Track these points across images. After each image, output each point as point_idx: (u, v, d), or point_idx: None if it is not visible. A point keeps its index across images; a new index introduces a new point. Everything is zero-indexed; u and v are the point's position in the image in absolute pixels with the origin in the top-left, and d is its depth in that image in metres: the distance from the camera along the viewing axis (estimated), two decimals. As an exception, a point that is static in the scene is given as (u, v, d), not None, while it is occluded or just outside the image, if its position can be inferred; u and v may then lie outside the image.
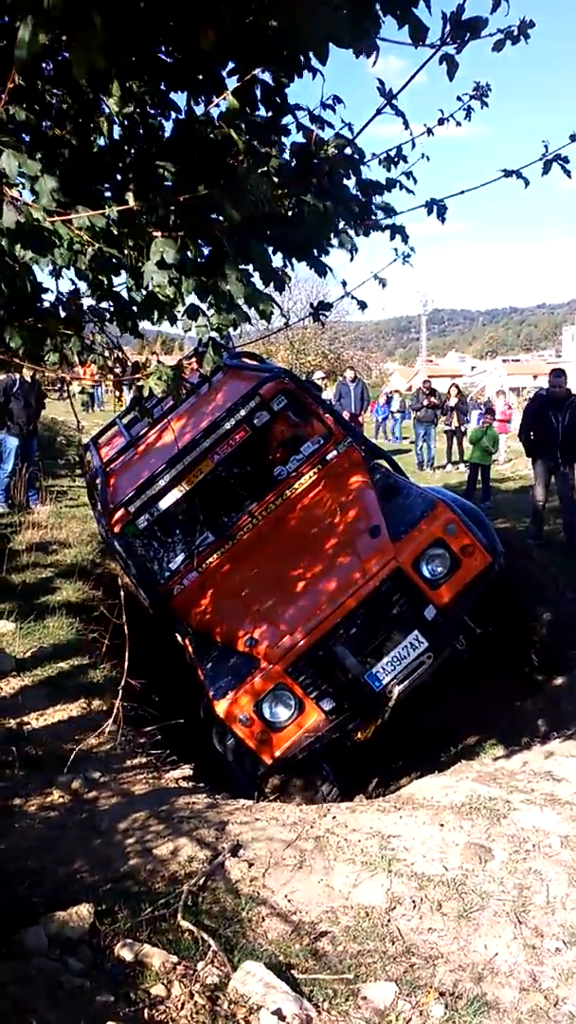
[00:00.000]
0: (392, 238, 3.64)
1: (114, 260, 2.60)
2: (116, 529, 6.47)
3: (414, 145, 3.46)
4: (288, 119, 3.33)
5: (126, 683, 6.30)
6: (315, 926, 3.64)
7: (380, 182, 3.53)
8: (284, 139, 3.40)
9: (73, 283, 3.43)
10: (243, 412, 6.57)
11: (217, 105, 3.30)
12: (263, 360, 8.22)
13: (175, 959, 3.20)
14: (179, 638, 6.47)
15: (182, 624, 6.33)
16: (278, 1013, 2.95)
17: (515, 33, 2.86)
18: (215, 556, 6.51)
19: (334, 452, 6.72)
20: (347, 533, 6.07)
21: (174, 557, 6.61)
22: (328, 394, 19.58)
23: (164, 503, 6.48)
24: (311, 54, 2.91)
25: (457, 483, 14.85)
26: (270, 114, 3.25)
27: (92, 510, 8.02)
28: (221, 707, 5.56)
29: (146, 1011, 2.90)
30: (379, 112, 3.31)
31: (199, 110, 3.39)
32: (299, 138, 3.52)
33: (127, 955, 3.20)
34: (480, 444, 13.96)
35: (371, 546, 5.81)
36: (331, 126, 3.44)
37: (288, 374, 7.00)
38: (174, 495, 6.47)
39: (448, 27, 2.74)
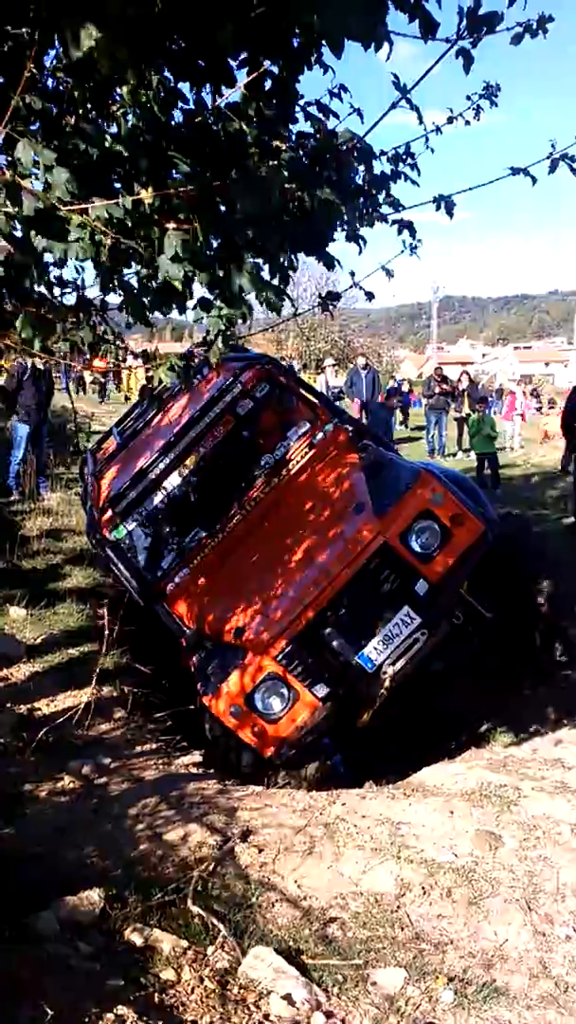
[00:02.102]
0: (400, 233, 3.62)
1: (130, 251, 2.59)
2: (104, 532, 6.41)
3: (427, 141, 3.44)
4: (296, 108, 3.33)
5: (135, 669, 6.36)
6: (325, 912, 3.65)
7: (387, 173, 3.51)
8: (291, 127, 3.39)
9: (78, 272, 3.42)
10: (226, 402, 6.48)
11: (225, 96, 3.29)
12: (245, 350, 8.12)
13: (185, 944, 3.21)
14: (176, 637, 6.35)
15: (176, 622, 6.19)
16: (288, 998, 2.96)
17: (534, 27, 2.83)
18: (206, 550, 6.36)
19: (320, 435, 6.57)
20: (333, 515, 5.91)
21: (165, 555, 6.47)
22: (339, 381, 19.57)
23: (150, 502, 6.40)
24: (322, 47, 2.92)
25: (464, 469, 14.81)
26: (278, 104, 3.24)
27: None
28: (211, 701, 5.44)
29: (156, 995, 2.91)
30: (394, 106, 3.29)
31: (204, 104, 3.40)
32: (307, 127, 3.51)
33: (137, 939, 3.21)
34: (481, 433, 13.93)
35: (356, 524, 5.65)
36: (337, 116, 3.43)
37: (269, 360, 6.91)
38: (160, 493, 6.39)
39: (464, 22, 2.73)
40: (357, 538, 5.53)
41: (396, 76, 3.22)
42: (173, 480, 6.41)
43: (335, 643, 5.40)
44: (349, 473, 6.16)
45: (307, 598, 5.42)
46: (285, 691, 5.40)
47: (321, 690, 5.42)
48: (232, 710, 5.35)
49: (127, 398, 26.76)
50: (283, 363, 8.43)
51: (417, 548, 5.64)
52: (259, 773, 5.47)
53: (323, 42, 2.76)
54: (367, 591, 5.51)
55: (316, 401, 6.84)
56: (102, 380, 27.60)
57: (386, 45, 2.59)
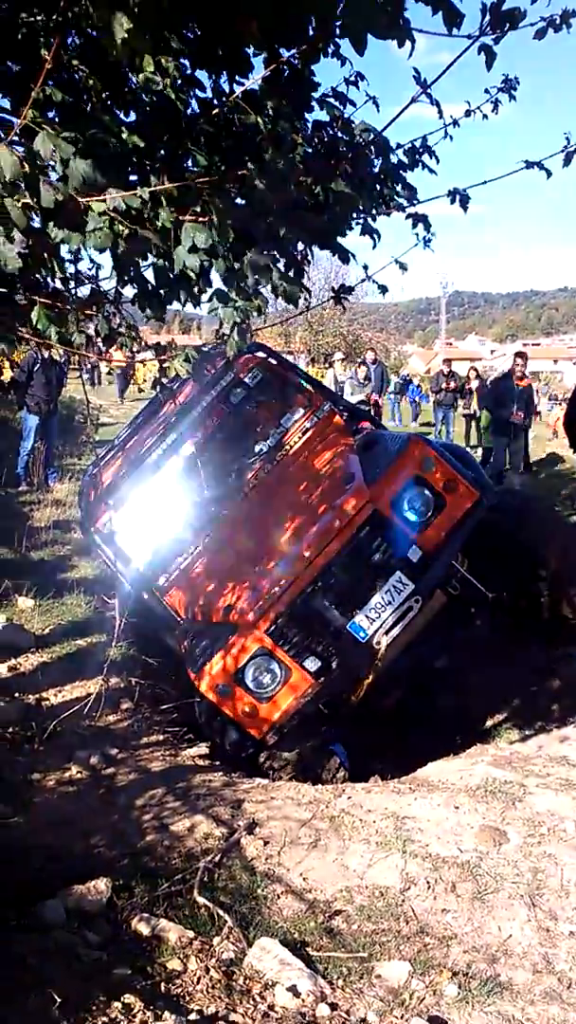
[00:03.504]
0: (414, 226, 3.62)
1: (146, 242, 2.60)
2: (97, 524, 6.38)
3: (446, 134, 3.44)
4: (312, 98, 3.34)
5: (142, 661, 6.37)
6: (330, 905, 3.67)
7: (404, 162, 3.51)
8: (308, 116, 3.40)
9: (92, 263, 3.43)
10: (218, 391, 6.46)
11: (242, 84, 3.30)
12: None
13: (191, 934, 3.23)
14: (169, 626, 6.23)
15: (170, 612, 6.06)
16: (293, 989, 2.98)
17: (557, 22, 2.83)
18: (200, 540, 6.25)
19: (314, 419, 6.49)
20: (324, 491, 5.76)
21: (158, 547, 6.38)
22: (348, 375, 19.54)
23: (144, 495, 6.36)
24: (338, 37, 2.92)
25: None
26: (294, 93, 3.24)
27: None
28: (199, 680, 5.24)
29: (163, 984, 2.94)
30: (414, 100, 3.29)
31: (222, 91, 3.41)
32: (322, 116, 3.51)
33: (144, 929, 3.24)
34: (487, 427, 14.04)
35: (345, 494, 5.49)
36: (354, 104, 3.43)
37: (260, 347, 6.87)
38: (154, 484, 6.36)
39: (487, 17, 2.73)
40: (346, 507, 5.38)
41: (417, 71, 3.23)
42: (167, 471, 6.37)
43: (325, 613, 5.25)
44: (343, 454, 6.06)
45: (296, 571, 5.27)
46: (276, 667, 5.23)
47: (312, 664, 5.24)
48: (220, 687, 5.19)
49: (141, 390, 26.82)
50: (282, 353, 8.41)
51: (409, 517, 5.51)
52: (258, 759, 5.43)
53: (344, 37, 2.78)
54: (358, 561, 5.38)
55: (309, 386, 6.78)
56: (118, 376, 27.56)
57: (408, 42, 2.60)
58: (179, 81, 3.02)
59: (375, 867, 3.93)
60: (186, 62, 2.99)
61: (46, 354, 10.96)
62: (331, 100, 3.41)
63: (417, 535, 5.47)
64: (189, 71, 3.15)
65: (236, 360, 6.46)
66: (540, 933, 3.44)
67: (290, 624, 5.25)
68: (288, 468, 6.36)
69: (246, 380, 6.59)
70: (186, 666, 5.49)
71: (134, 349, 3.29)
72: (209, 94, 3.40)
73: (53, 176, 2.39)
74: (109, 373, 28.82)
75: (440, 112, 3.32)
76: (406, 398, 27.40)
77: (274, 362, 6.81)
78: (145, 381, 25.28)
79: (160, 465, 6.38)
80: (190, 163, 2.92)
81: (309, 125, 3.44)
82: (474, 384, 18.40)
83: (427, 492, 5.54)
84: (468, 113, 3.38)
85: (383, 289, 3.96)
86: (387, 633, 5.32)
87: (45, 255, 2.52)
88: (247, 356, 6.57)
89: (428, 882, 3.79)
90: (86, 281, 3.23)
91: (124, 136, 2.86)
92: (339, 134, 3.39)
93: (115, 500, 6.38)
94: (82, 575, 8.23)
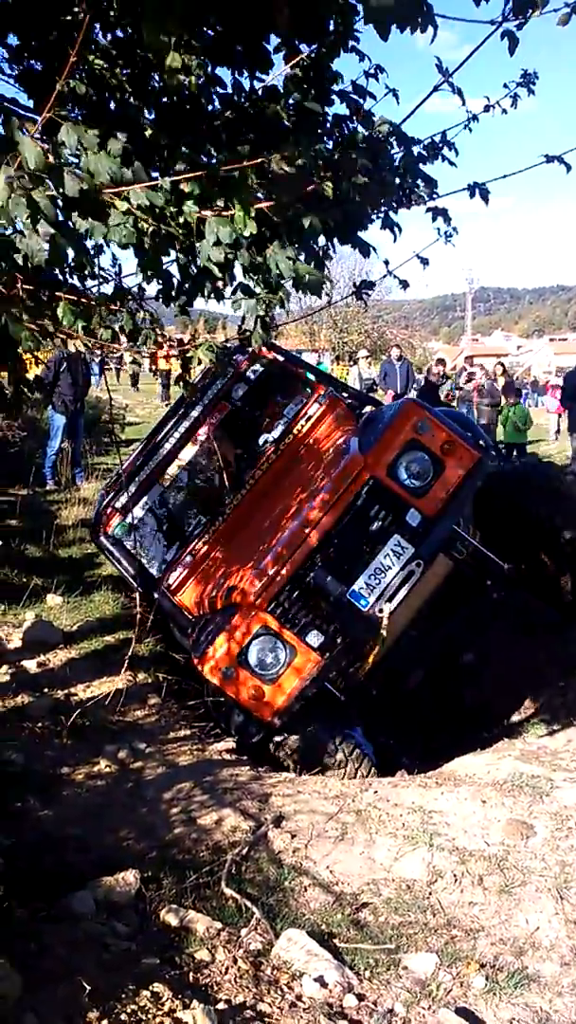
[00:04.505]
0: (434, 219, 3.62)
1: (170, 237, 2.63)
2: (106, 529, 6.40)
3: (468, 124, 3.44)
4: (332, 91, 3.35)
5: (169, 657, 6.41)
6: (357, 897, 3.68)
7: (423, 154, 3.52)
8: (328, 110, 3.42)
9: (114, 259, 3.47)
10: (219, 388, 6.46)
11: (262, 80, 3.32)
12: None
13: (219, 925, 3.26)
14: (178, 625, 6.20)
15: (179, 611, 6.02)
16: (320, 980, 3.00)
17: None
18: (207, 537, 6.22)
19: (316, 406, 6.44)
20: (323, 468, 5.71)
21: (167, 549, 6.41)
22: (373, 373, 19.52)
23: (149, 496, 6.41)
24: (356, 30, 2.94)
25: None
26: (314, 86, 3.26)
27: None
28: (202, 664, 5.16)
29: (191, 974, 2.96)
30: (436, 89, 3.31)
31: (241, 87, 3.43)
32: (342, 109, 3.53)
33: (172, 920, 3.26)
34: (509, 422, 13.89)
35: (341, 464, 5.42)
36: (374, 97, 3.44)
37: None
38: (159, 486, 6.41)
39: (510, 3, 2.73)
40: (342, 477, 5.31)
41: (439, 60, 3.24)
42: (172, 471, 6.41)
43: (325, 584, 5.17)
44: (344, 436, 6.00)
45: (294, 545, 5.20)
46: (281, 647, 5.14)
47: (316, 639, 5.15)
48: (224, 671, 5.10)
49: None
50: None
51: (408, 483, 5.40)
52: (268, 747, 5.36)
53: (357, 27, 2.79)
54: (357, 530, 5.29)
55: (311, 375, 6.76)
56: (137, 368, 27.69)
57: (431, 29, 2.62)
58: (201, 78, 3.05)
59: (402, 860, 3.94)
60: (206, 59, 3.03)
61: (71, 349, 11.00)
62: (351, 94, 3.42)
63: (416, 499, 5.37)
64: (211, 67, 3.19)
65: (236, 355, 6.46)
66: (568, 926, 3.43)
67: (291, 600, 5.18)
68: (291, 456, 6.32)
69: (247, 374, 6.61)
70: (191, 654, 5.43)
71: (158, 342, 3.31)
72: (230, 90, 3.44)
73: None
74: (134, 362, 28.96)
75: (463, 99, 3.33)
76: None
77: (274, 355, 6.79)
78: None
79: (165, 465, 6.43)
80: (212, 160, 2.95)
81: (329, 120, 3.46)
82: (501, 381, 18.29)
83: (425, 456, 5.43)
84: (487, 108, 3.39)
85: (404, 284, 3.96)
86: (389, 600, 5.24)
87: (69, 249, 2.55)
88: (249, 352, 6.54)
89: (455, 875, 3.79)
90: (109, 278, 3.26)
91: (147, 133, 2.89)
92: (359, 127, 3.41)
93: (120, 502, 6.44)
94: (109, 572, 8.29)
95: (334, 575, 5.19)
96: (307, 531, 5.21)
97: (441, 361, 20.26)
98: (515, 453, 13.85)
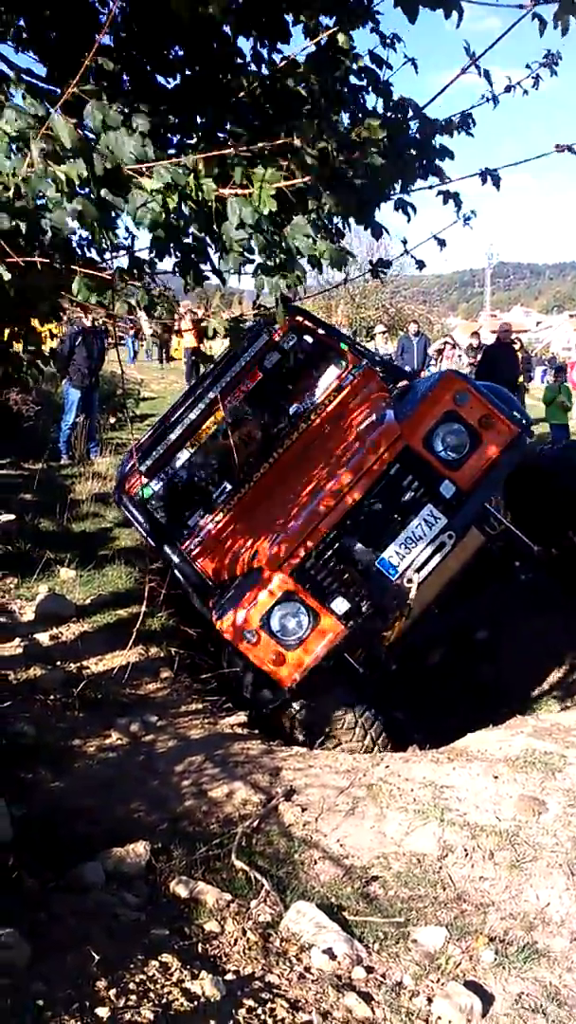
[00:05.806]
0: (445, 203, 3.58)
1: (191, 215, 2.61)
2: (130, 490, 6.35)
3: (496, 104, 3.38)
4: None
5: (182, 631, 6.41)
6: (367, 871, 3.68)
7: (443, 124, 3.46)
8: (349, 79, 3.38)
9: (128, 232, 3.43)
10: (252, 355, 6.39)
11: (281, 52, 3.29)
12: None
13: (229, 897, 3.26)
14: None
15: (203, 580, 5.97)
16: (329, 952, 3.00)
17: None
18: (233, 503, 6.21)
19: (349, 378, 6.40)
20: (355, 437, 5.64)
21: (192, 514, 6.36)
22: (390, 348, 19.38)
23: (177, 461, 6.36)
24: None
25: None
26: (332, 60, 3.23)
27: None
28: (224, 625, 5.12)
29: (200, 945, 2.97)
30: (464, 71, 3.26)
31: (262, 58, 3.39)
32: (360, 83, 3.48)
33: (182, 891, 3.27)
34: (556, 402, 13.65)
35: (376, 433, 5.37)
36: (390, 67, 3.39)
37: (297, 310, 6.74)
38: (187, 450, 6.35)
39: None
40: (377, 445, 5.25)
41: (467, 43, 3.21)
42: (198, 439, 6.36)
43: (353, 550, 5.08)
44: (376, 404, 5.95)
45: (325, 510, 5.14)
46: (304, 612, 5.08)
47: (341, 606, 5.10)
48: (245, 634, 5.04)
49: (172, 359, 27.04)
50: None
51: (444, 455, 5.33)
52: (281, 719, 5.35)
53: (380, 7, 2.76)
54: (390, 499, 5.24)
55: (345, 346, 6.68)
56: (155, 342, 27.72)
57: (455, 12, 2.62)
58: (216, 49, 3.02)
59: (412, 835, 3.93)
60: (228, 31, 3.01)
61: (87, 323, 11.00)
62: (368, 64, 3.38)
63: (451, 471, 5.31)
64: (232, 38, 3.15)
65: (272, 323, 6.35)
66: (579, 902, 3.42)
67: (318, 566, 5.14)
68: (322, 427, 6.30)
69: (282, 344, 6.53)
70: (211, 617, 5.39)
71: (174, 316, 3.29)
72: (248, 59, 3.39)
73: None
74: (154, 335, 28.93)
75: (490, 82, 3.28)
76: None
77: (309, 324, 6.73)
78: (176, 350, 25.56)
79: (193, 430, 6.36)
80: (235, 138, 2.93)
81: (346, 92, 3.42)
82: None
83: (462, 428, 5.35)
84: (508, 88, 3.33)
85: (420, 264, 3.92)
86: (418, 571, 5.18)
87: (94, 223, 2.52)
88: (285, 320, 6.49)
89: (466, 850, 3.78)
90: (123, 251, 3.23)
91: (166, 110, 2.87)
92: (377, 100, 3.37)
93: (147, 465, 6.36)
94: (122, 546, 8.30)
95: (364, 542, 5.13)
96: (337, 498, 5.15)
97: (476, 334, 20.30)
98: (566, 435, 13.45)
